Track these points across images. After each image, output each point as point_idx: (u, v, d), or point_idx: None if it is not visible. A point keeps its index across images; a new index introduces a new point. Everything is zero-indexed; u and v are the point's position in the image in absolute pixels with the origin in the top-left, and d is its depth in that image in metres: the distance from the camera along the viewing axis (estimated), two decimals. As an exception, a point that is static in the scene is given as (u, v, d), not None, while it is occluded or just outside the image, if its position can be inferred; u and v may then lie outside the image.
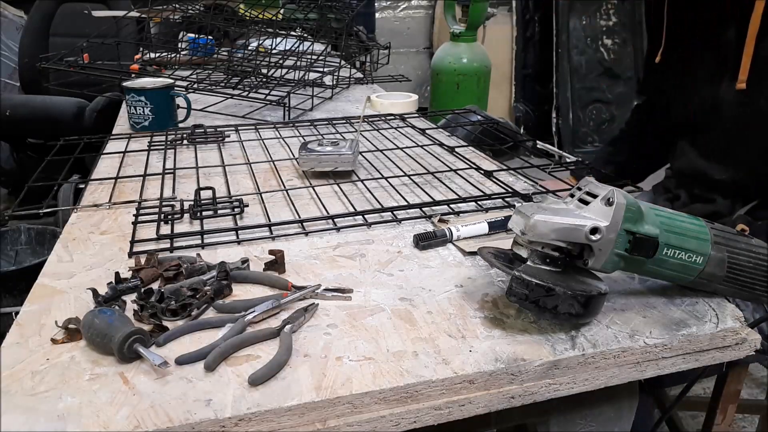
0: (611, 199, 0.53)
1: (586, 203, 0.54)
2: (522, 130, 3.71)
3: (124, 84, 1.18)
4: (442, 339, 0.53)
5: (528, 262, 0.55)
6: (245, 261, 0.65)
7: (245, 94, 1.28)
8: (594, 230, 0.52)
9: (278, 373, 0.48)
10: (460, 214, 0.79)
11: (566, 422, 0.62)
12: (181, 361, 0.49)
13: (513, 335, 0.54)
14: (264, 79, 1.38)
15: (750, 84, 0.85)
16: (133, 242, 0.69)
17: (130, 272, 0.63)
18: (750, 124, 0.87)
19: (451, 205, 0.81)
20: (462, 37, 2.97)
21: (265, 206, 0.81)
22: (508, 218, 0.74)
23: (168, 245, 0.70)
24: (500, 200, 0.83)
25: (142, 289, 0.58)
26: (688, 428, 1.38)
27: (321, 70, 1.60)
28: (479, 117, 1.31)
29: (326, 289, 0.60)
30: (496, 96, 3.64)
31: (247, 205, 0.80)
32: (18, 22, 2.89)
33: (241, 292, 0.61)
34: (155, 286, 0.61)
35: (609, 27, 3.69)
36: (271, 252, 0.65)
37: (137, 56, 1.71)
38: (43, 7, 2.57)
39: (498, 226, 0.73)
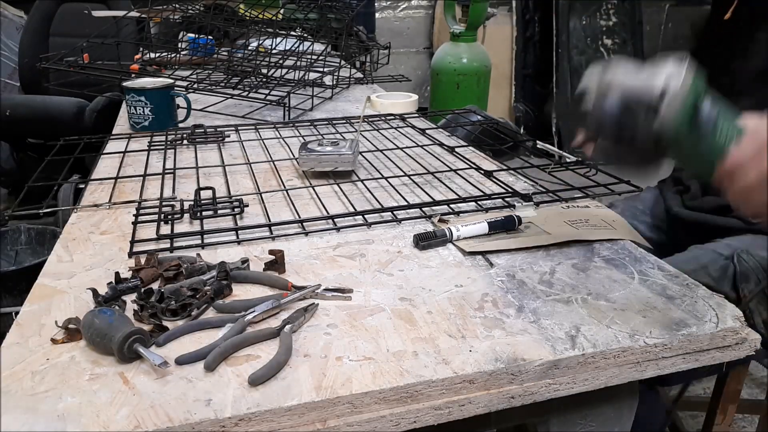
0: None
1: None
2: (522, 130, 3.71)
3: (124, 84, 1.18)
4: (442, 339, 0.53)
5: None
6: (245, 261, 0.65)
7: (245, 94, 1.28)
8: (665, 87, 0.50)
9: (278, 373, 0.48)
10: (460, 214, 0.79)
11: (566, 422, 0.61)
12: (181, 361, 0.49)
13: (513, 335, 0.54)
14: (264, 79, 1.38)
15: None
16: (133, 242, 0.69)
17: (130, 272, 0.63)
18: None
19: (451, 205, 0.81)
20: (462, 37, 2.97)
21: (265, 206, 0.81)
22: (508, 218, 0.74)
23: (168, 245, 0.70)
24: (500, 200, 0.83)
25: (142, 289, 0.58)
26: (688, 428, 1.38)
27: (321, 70, 1.60)
28: (479, 117, 1.31)
29: (326, 289, 0.60)
30: (496, 96, 3.64)
31: (247, 205, 0.80)
32: (18, 22, 2.89)
33: (241, 292, 0.61)
34: (155, 286, 0.61)
35: (609, 27, 3.70)
36: (271, 252, 0.65)
37: (137, 56, 1.71)
38: (43, 7, 2.57)
39: (498, 227, 0.73)
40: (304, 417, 0.46)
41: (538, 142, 1.15)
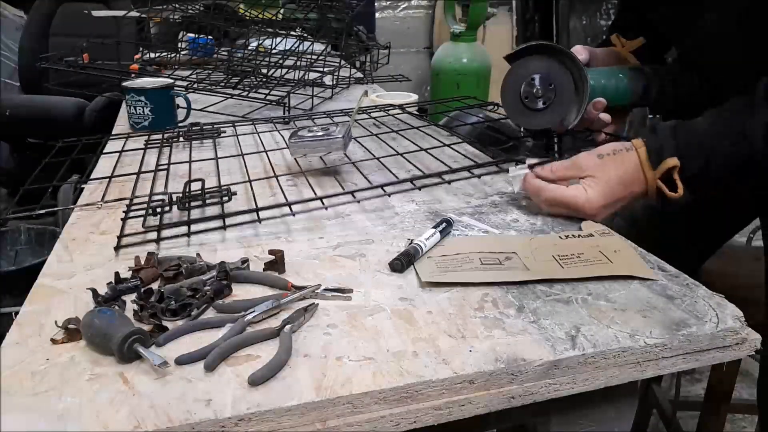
0: None
1: None
2: (522, 130, 3.70)
3: (124, 84, 1.18)
4: (442, 339, 0.53)
5: None
6: (245, 261, 0.65)
7: (245, 94, 1.28)
8: None
9: (278, 373, 0.48)
10: (451, 183, 0.80)
11: (566, 422, 0.61)
12: (181, 361, 0.49)
13: (513, 335, 0.54)
14: (264, 79, 1.38)
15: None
16: (120, 236, 0.69)
17: (130, 272, 0.63)
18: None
19: (444, 176, 0.80)
20: (462, 37, 2.97)
21: (253, 193, 0.81)
22: (447, 220, 0.73)
23: (155, 237, 0.70)
24: (494, 167, 0.83)
25: (142, 289, 0.58)
26: (687, 428, 1.38)
27: (321, 70, 1.60)
28: (480, 117, 1.31)
29: (326, 289, 0.60)
30: (496, 96, 3.63)
31: (235, 193, 0.80)
32: (18, 22, 2.89)
33: (241, 292, 0.61)
34: (155, 286, 0.61)
35: (609, 27, 3.70)
36: (271, 252, 0.65)
37: (137, 56, 1.71)
38: (42, 7, 2.57)
39: (445, 232, 0.72)
40: (304, 417, 0.46)
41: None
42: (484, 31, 3.68)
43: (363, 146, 1.00)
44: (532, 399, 0.51)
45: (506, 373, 0.50)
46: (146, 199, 0.81)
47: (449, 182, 0.78)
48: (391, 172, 0.85)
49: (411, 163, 0.87)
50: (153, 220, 0.74)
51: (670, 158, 0.73)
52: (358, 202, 0.75)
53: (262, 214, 0.74)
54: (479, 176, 0.79)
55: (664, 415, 1.34)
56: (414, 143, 0.98)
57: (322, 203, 0.75)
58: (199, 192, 0.80)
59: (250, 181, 0.85)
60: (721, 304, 0.59)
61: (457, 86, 2.96)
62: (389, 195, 0.76)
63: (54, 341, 0.52)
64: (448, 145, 0.94)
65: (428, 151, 0.92)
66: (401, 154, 0.91)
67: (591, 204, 0.75)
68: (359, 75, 1.73)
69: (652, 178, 0.74)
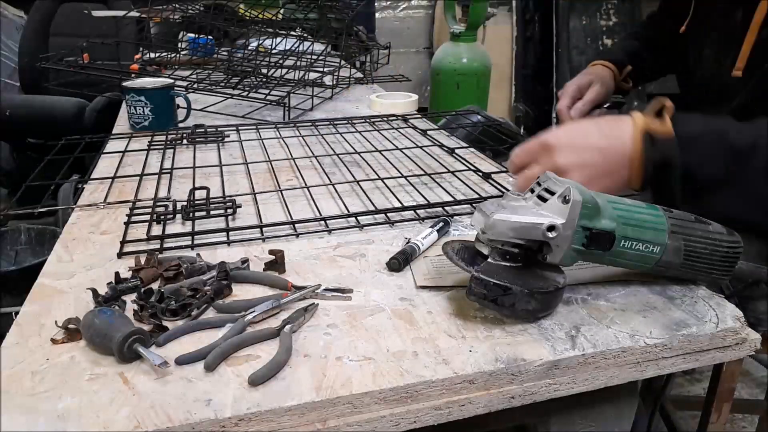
0: (567, 197, 0.54)
1: (545, 200, 0.56)
2: (522, 131, 3.70)
3: (124, 84, 1.18)
4: (442, 339, 0.53)
5: (489, 259, 0.56)
6: (245, 261, 0.65)
7: (245, 94, 1.28)
8: (551, 228, 0.54)
9: (278, 373, 0.48)
10: (454, 217, 0.79)
11: (566, 422, 0.62)
12: (181, 361, 0.49)
13: (513, 335, 0.54)
14: (264, 79, 1.38)
15: (749, 72, 0.81)
16: (123, 242, 0.69)
17: (130, 272, 0.63)
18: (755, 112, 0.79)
19: (446, 207, 0.81)
20: (462, 37, 2.97)
21: (258, 207, 0.80)
22: (445, 219, 0.73)
23: (158, 246, 0.70)
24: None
25: (142, 289, 0.58)
26: (688, 428, 1.38)
27: (321, 70, 1.60)
28: (480, 117, 1.31)
29: (326, 289, 0.60)
30: (496, 96, 3.63)
31: (240, 206, 0.80)
32: (18, 22, 2.89)
33: (241, 292, 0.61)
34: (155, 286, 0.61)
35: (609, 27, 3.70)
36: (271, 252, 0.65)
37: (137, 56, 1.71)
38: (43, 7, 2.57)
39: (443, 231, 0.73)
40: (304, 417, 0.46)
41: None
42: (484, 31, 3.68)
43: (368, 164, 0.99)
44: (532, 399, 0.51)
45: (506, 373, 0.50)
46: (148, 202, 0.81)
47: (451, 216, 0.79)
48: (393, 193, 0.85)
49: (416, 189, 0.87)
50: (156, 228, 0.74)
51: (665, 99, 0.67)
52: (361, 228, 0.75)
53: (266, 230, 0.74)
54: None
55: (664, 415, 1.34)
56: (419, 166, 0.99)
57: (326, 225, 0.75)
58: (204, 202, 0.80)
59: (254, 193, 0.85)
60: (720, 305, 0.59)
61: (457, 86, 2.96)
62: (392, 224, 0.76)
63: (54, 341, 0.52)
64: (453, 172, 0.95)
65: (433, 176, 0.93)
66: (405, 177, 0.92)
67: (554, 134, 0.67)
68: (359, 75, 1.73)
69: (640, 117, 0.67)
